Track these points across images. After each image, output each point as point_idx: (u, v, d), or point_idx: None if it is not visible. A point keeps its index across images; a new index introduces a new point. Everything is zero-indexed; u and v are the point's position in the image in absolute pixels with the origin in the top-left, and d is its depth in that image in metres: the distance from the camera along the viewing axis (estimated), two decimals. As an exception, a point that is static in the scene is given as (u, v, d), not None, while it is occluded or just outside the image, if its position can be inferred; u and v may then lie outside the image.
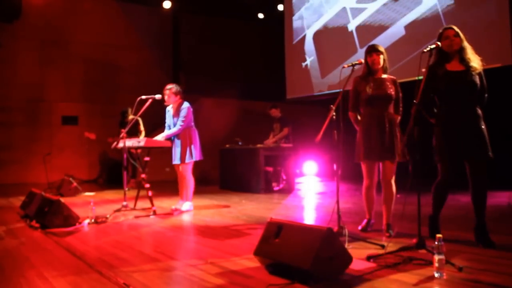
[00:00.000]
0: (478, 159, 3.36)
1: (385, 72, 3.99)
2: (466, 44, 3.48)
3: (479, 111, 3.43)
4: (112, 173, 10.57)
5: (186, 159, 5.47)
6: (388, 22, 8.35)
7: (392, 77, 4.01)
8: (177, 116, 5.56)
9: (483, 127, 3.39)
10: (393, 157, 3.81)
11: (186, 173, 5.56)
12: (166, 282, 2.71)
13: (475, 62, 3.44)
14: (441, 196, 3.57)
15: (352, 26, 9.13)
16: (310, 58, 10.05)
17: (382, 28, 8.43)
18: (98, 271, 2.86)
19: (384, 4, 8.45)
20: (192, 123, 5.65)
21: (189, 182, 5.58)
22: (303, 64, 10.21)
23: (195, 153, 5.52)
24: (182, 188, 5.66)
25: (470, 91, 3.41)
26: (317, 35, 10.10)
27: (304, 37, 10.34)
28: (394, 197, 3.90)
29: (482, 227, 3.35)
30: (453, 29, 3.48)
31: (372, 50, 3.94)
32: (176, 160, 5.57)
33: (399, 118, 3.97)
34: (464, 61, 3.45)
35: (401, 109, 3.98)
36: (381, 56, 3.92)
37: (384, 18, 8.42)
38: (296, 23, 10.55)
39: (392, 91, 3.90)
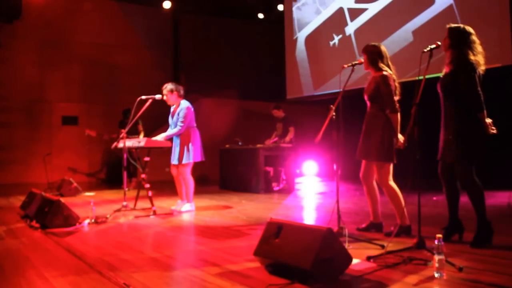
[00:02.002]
0: (448, 161, 3.43)
1: (378, 70, 3.87)
2: (458, 45, 3.40)
3: (461, 114, 3.37)
4: (112, 173, 10.58)
5: (183, 160, 5.46)
6: (393, 25, 7.99)
7: (382, 74, 3.81)
8: (176, 115, 5.55)
9: (457, 128, 3.36)
10: (374, 157, 3.79)
11: (185, 174, 5.54)
12: (166, 282, 2.72)
13: (458, 64, 3.38)
14: (448, 198, 3.62)
15: (350, 30, 9.01)
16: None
17: (386, 33, 8.07)
18: (98, 271, 2.86)
19: (388, 4, 8.13)
20: (194, 124, 5.63)
21: (188, 183, 5.56)
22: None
23: (193, 154, 5.46)
24: (181, 189, 5.65)
25: (447, 94, 3.44)
26: (309, 39, 9.95)
27: (296, 40, 10.24)
28: (393, 196, 3.80)
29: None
30: (447, 29, 3.49)
31: None
32: (174, 161, 5.56)
33: (394, 116, 3.74)
34: (450, 62, 3.45)
35: (395, 105, 3.74)
36: (364, 57, 3.92)
37: (389, 20, 8.12)
38: (295, 22, 10.52)
39: (371, 91, 3.85)
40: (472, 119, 3.34)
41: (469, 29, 3.46)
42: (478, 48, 3.41)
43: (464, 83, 3.33)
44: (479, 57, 3.39)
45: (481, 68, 3.38)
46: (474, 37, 3.43)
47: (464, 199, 3.50)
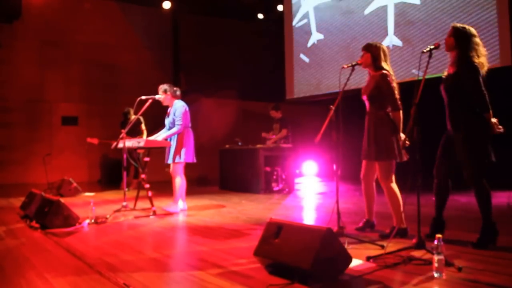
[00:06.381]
0: (459, 159, 3.43)
1: (378, 69, 3.87)
2: (462, 46, 3.39)
3: (467, 115, 3.38)
4: (112, 174, 10.57)
5: (175, 159, 5.47)
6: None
7: (382, 72, 3.81)
8: (171, 115, 5.56)
9: (467, 133, 3.37)
10: (376, 157, 3.78)
11: (176, 173, 5.54)
12: (166, 282, 2.72)
13: (462, 66, 3.37)
14: (438, 196, 3.65)
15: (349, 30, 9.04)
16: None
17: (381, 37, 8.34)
18: (98, 271, 2.86)
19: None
20: (188, 124, 5.63)
21: (179, 182, 5.54)
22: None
23: (184, 155, 5.46)
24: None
25: (451, 96, 3.45)
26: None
27: (295, 40, 10.27)
28: (393, 198, 3.77)
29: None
30: (451, 28, 3.46)
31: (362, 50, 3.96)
32: (168, 160, 5.57)
33: (397, 114, 3.75)
34: (454, 63, 3.44)
35: (397, 103, 3.76)
36: (367, 55, 3.89)
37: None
38: (296, 21, 10.51)
39: (370, 90, 3.83)
40: (479, 119, 3.35)
41: (473, 30, 3.44)
42: (482, 50, 3.42)
43: (469, 85, 3.34)
44: (482, 59, 3.39)
45: (484, 70, 3.39)
46: (477, 39, 3.42)
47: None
